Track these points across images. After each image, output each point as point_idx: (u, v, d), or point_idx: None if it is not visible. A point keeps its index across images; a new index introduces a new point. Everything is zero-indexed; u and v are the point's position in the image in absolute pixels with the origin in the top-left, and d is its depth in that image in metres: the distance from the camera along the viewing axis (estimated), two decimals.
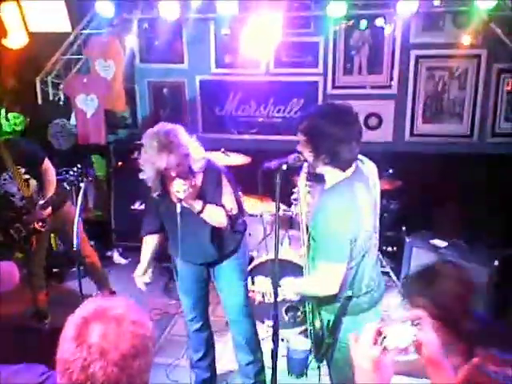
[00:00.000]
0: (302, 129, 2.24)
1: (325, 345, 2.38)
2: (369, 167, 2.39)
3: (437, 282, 1.90)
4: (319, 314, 2.44)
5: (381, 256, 4.78)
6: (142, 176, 2.69)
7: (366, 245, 2.27)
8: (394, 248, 4.90)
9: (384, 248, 4.93)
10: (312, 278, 2.40)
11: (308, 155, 2.24)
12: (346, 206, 2.18)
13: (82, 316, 1.08)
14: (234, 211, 2.85)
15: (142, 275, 2.96)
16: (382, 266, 4.74)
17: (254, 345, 3.18)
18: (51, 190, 3.76)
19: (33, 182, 3.75)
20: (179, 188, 2.57)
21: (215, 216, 2.76)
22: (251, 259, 4.12)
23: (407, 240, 4.46)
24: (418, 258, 4.35)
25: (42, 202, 3.68)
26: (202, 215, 2.72)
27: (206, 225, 2.80)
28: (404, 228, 4.75)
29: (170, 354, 3.64)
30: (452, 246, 4.22)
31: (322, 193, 2.34)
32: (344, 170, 2.24)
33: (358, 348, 1.18)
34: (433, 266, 2.02)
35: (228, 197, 2.83)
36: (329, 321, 2.36)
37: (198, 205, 2.69)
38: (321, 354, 2.43)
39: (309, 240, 2.41)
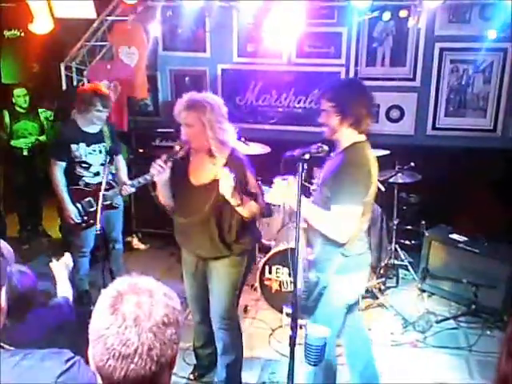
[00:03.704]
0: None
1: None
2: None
3: None
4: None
5: (399, 249, 4.76)
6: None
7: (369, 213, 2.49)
8: (413, 242, 4.87)
9: (402, 241, 4.91)
10: (327, 217, 2.40)
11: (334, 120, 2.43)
12: (362, 160, 2.42)
13: (116, 289, 1.11)
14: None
15: None
16: (401, 260, 4.73)
17: (230, 362, 3.03)
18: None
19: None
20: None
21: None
22: (268, 249, 4.13)
23: (426, 234, 4.44)
24: (437, 252, 4.34)
25: (134, 181, 3.70)
26: None
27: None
28: (423, 222, 4.72)
29: (187, 339, 3.67)
30: (472, 241, 4.19)
31: (336, 155, 2.51)
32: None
33: None
34: None
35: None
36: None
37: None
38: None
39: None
